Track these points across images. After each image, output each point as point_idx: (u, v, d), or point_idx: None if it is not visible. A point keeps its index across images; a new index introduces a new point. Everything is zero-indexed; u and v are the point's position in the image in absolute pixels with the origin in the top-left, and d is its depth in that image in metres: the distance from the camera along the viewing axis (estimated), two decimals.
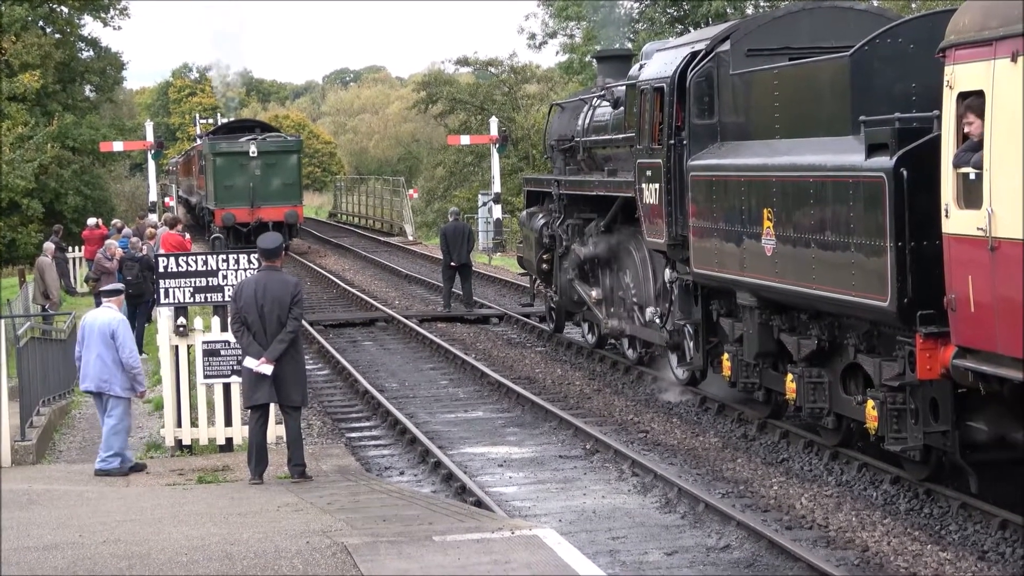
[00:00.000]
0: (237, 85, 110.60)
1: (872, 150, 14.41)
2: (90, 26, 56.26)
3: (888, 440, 14.77)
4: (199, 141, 67.70)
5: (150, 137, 52.09)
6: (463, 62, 67.96)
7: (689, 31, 44.88)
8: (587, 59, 54.20)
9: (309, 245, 56.29)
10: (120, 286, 18.49)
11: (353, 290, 39.10)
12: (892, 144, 14.05)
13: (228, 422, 17.77)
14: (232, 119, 77.42)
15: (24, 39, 47.55)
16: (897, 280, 13.95)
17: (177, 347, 17.93)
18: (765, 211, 16.85)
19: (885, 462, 15.79)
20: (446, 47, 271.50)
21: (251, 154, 52.14)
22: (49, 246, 31.84)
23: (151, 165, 53.01)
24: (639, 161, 21.17)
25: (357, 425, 21.14)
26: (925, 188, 13.56)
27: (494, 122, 52.45)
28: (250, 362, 15.23)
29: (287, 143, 54.95)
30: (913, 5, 47.63)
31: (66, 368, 21.66)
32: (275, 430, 16.63)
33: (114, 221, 40.12)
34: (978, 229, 12.47)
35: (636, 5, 55.69)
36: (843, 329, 15.98)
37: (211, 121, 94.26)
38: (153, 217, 41.19)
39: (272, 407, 15.89)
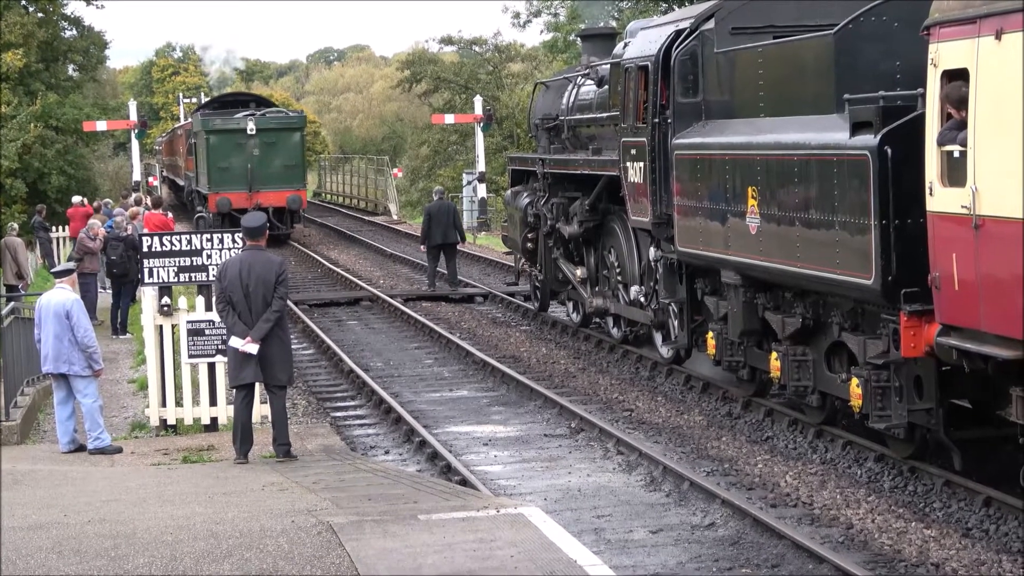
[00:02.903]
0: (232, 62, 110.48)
1: (856, 128, 14.42)
2: (73, 5, 56.09)
3: (872, 418, 14.81)
4: (188, 120, 66.20)
5: (133, 116, 51.82)
6: (447, 41, 67.88)
7: (673, 9, 44.80)
8: (571, 38, 54.11)
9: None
10: (72, 265, 18.49)
11: (338, 269, 39.08)
12: (876, 122, 14.06)
13: (213, 402, 17.76)
14: (225, 92, 73.98)
15: (6, 18, 47.31)
16: (881, 258, 13.97)
17: (161, 327, 17.90)
18: (749, 189, 16.86)
19: (869, 440, 15.84)
20: (430, 26, 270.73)
21: (249, 132, 47.42)
22: (14, 226, 31.73)
23: (135, 144, 52.67)
24: (623, 140, 21.16)
25: (342, 404, 21.14)
26: (909, 166, 13.58)
27: (478, 101, 52.33)
28: (235, 341, 15.22)
29: (289, 119, 50.09)
30: None
31: None
32: (260, 409, 16.63)
33: (106, 200, 39.99)
34: (962, 207, 12.49)
35: None
36: (827, 307, 16.00)
37: (195, 100, 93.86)
38: (133, 198, 41.00)
39: (257, 386, 15.89)
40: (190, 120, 62.52)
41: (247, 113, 49.33)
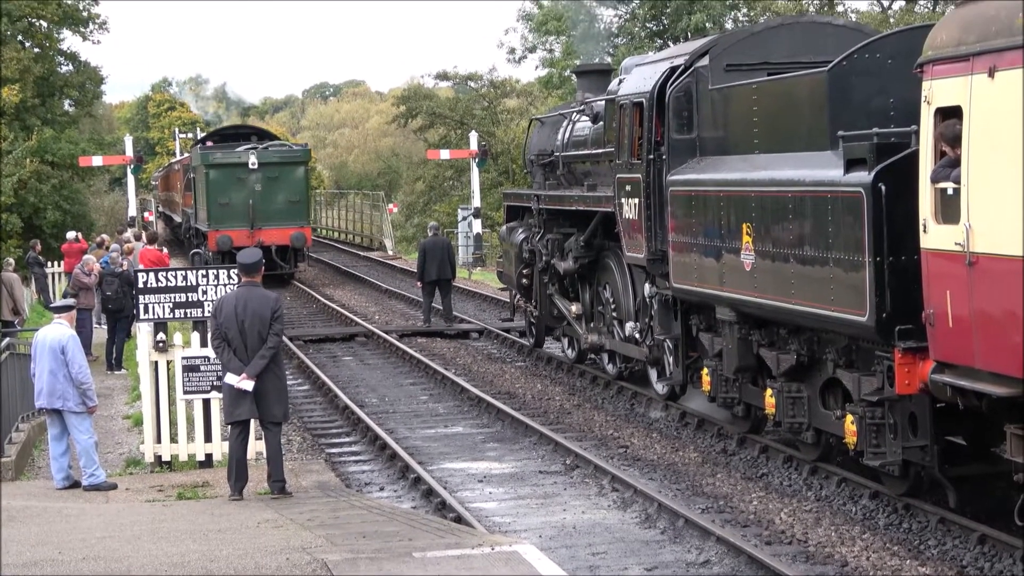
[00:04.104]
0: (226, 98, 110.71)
1: (851, 165, 14.46)
2: (69, 40, 56.15)
3: (867, 455, 14.81)
4: (186, 154, 65.51)
5: (129, 152, 51.83)
6: (443, 76, 68.00)
7: (668, 46, 44.96)
8: (567, 73, 54.27)
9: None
10: (71, 302, 18.49)
11: (333, 305, 39.05)
12: (870, 159, 14.10)
13: (208, 438, 17.73)
14: (224, 125, 71.67)
15: (3, 54, 47.43)
16: (875, 295, 14.00)
17: (157, 363, 17.89)
18: (744, 226, 16.89)
19: (864, 477, 15.83)
20: (426, 61, 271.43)
21: (251, 166, 45.03)
22: (10, 261, 31.70)
23: (130, 180, 52.63)
24: (619, 176, 21.20)
25: (337, 441, 21.11)
26: (903, 203, 13.62)
27: (474, 136, 52.43)
28: (231, 378, 15.21)
29: (292, 153, 47.62)
30: (891, 20, 47.80)
31: None
32: (255, 446, 16.61)
33: (103, 236, 39.95)
34: (956, 244, 12.52)
35: (615, 20, 55.82)
36: (822, 344, 16.02)
37: (190, 136, 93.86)
38: (128, 233, 40.92)
39: (252, 423, 15.87)
40: (187, 155, 62.09)
41: (248, 146, 47.25)
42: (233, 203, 45.08)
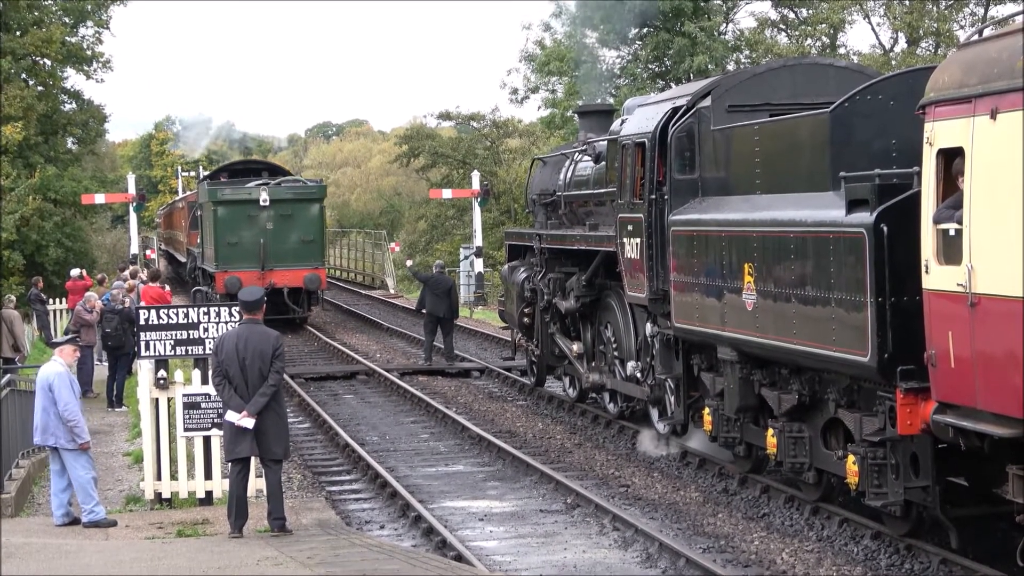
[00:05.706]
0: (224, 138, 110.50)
1: (852, 206, 14.48)
2: (73, 79, 56.24)
3: (869, 495, 14.79)
4: (189, 192, 64.41)
5: (132, 190, 51.81)
6: (445, 116, 68.06)
7: (670, 87, 45.06)
8: (569, 114, 54.31)
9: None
10: (69, 337, 18.47)
11: (334, 343, 39.04)
12: (872, 200, 14.12)
13: (208, 475, 17.71)
14: (235, 159, 67.98)
15: (6, 91, 47.50)
16: (877, 335, 13.99)
17: (157, 400, 17.88)
18: (746, 266, 16.90)
19: (866, 517, 15.80)
20: (428, 101, 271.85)
21: (262, 203, 42.44)
22: (11, 298, 31.70)
23: (133, 217, 52.56)
24: (620, 216, 21.22)
25: (338, 478, 21.08)
26: (905, 244, 13.63)
27: (476, 176, 52.46)
28: (231, 415, 15.20)
29: (307, 189, 44.69)
30: (892, 62, 47.91)
31: None
32: (255, 483, 16.58)
33: (101, 276, 39.93)
34: (958, 285, 12.52)
35: (618, 61, 55.91)
36: (824, 384, 16.01)
37: (193, 174, 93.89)
38: (127, 272, 40.82)
39: (253, 460, 15.86)
40: (192, 192, 61.37)
41: (260, 182, 44.42)
42: (243, 242, 42.57)
